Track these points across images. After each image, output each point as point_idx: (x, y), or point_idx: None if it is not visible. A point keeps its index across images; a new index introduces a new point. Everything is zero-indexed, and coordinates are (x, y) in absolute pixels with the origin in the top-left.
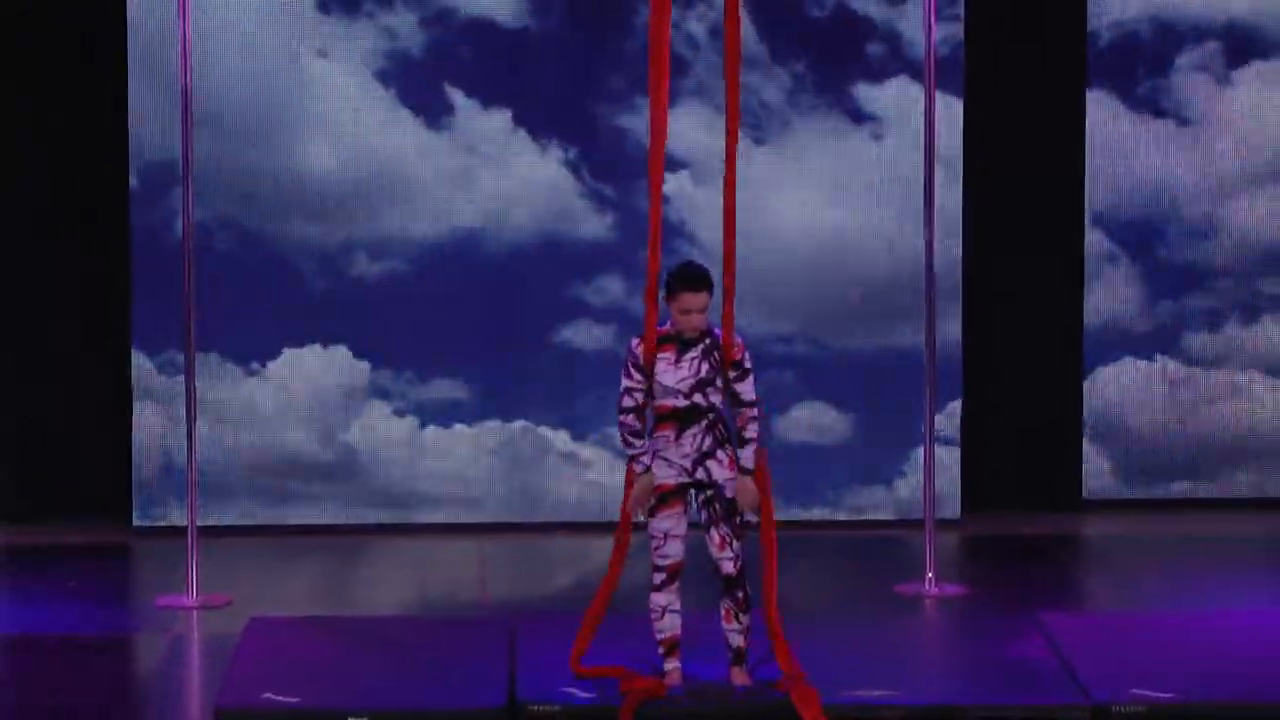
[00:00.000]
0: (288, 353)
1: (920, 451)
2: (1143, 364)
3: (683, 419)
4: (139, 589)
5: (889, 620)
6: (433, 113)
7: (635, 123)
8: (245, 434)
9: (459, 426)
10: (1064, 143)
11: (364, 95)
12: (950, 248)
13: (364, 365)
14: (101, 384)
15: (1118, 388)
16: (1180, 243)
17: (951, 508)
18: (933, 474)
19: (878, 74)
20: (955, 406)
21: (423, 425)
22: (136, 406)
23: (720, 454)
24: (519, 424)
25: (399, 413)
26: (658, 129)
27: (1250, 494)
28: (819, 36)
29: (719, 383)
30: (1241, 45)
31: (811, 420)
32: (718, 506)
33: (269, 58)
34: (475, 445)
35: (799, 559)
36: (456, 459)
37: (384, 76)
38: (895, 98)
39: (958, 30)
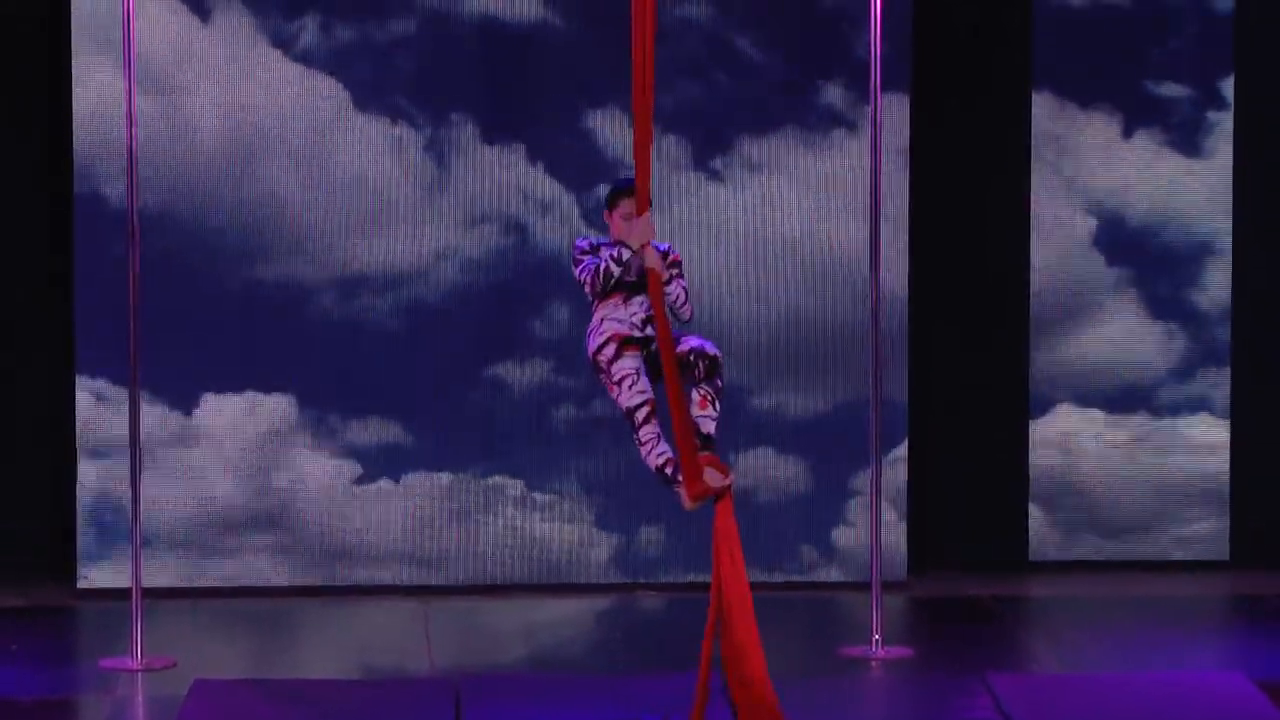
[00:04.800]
0: (227, 398)
1: (859, 506)
2: (1088, 418)
3: (630, 290)
4: (82, 651)
5: (836, 683)
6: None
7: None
8: (184, 487)
9: (405, 477)
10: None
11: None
12: (897, 305)
13: (307, 413)
14: (41, 442)
15: (1062, 446)
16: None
17: (897, 569)
18: (879, 536)
19: (821, 135)
20: (902, 469)
21: (368, 477)
22: (81, 467)
23: (691, 339)
24: (465, 473)
25: (342, 462)
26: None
27: (1193, 555)
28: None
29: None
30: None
31: (759, 470)
32: (701, 365)
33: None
34: (420, 496)
35: None
36: (401, 512)
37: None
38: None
39: (905, 102)
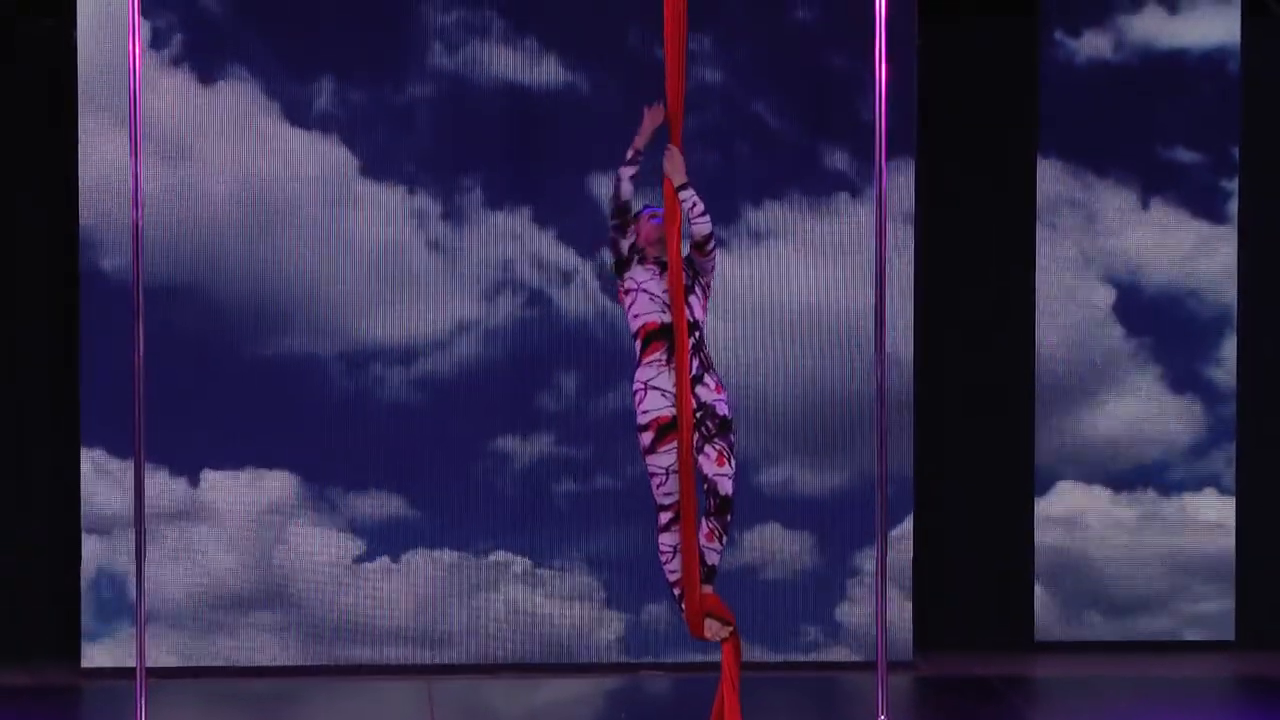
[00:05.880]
0: (229, 474)
1: (864, 583)
2: (1093, 495)
3: (669, 339)
4: None
5: None
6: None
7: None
8: (185, 564)
9: (408, 553)
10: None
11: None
12: (903, 380)
13: (309, 488)
14: (46, 517)
15: (1068, 523)
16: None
17: (903, 648)
18: (885, 616)
19: (826, 201)
20: (908, 546)
21: (371, 554)
22: (85, 545)
23: (708, 379)
24: (469, 549)
25: (345, 538)
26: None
27: (1199, 636)
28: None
29: (698, 290)
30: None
31: (764, 546)
32: (710, 425)
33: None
34: (425, 574)
35: (749, 700)
36: (404, 589)
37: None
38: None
39: (910, 168)
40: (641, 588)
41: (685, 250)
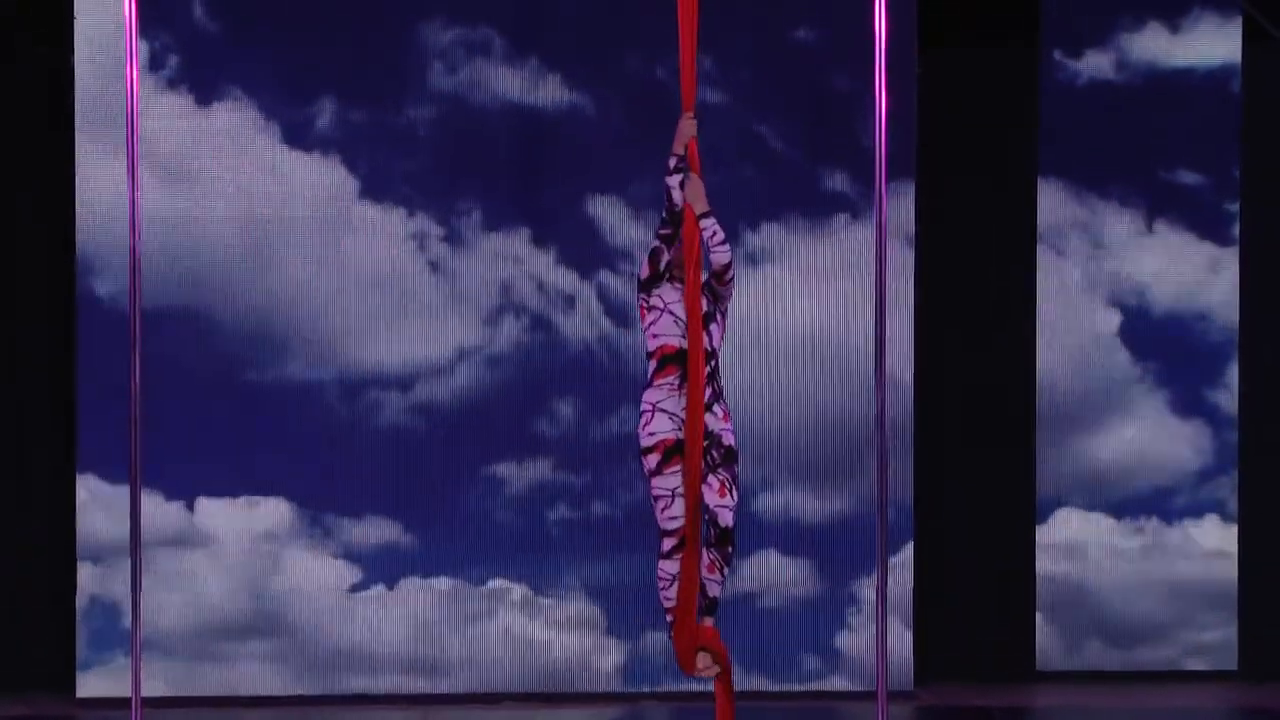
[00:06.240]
0: (224, 501)
1: (864, 612)
2: (1094, 523)
3: (683, 365)
4: None
5: None
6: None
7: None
8: (179, 592)
9: (405, 580)
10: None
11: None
12: (904, 412)
13: (304, 513)
14: (41, 546)
15: (1070, 551)
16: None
17: (903, 678)
18: (885, 645)
19: (825, 223)
20: (908, 574)
21: (367, 582)
22: (80, 572)
23: (716, 408)
24: (466, 577)
25: (342, 565)
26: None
27: (1201, 665)
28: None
29: (718, 318)
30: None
31: (763, 573)
32: (715, 454)
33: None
34: (421, 602)
35: None
36: (401, 617)
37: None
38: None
39: (911, 189)
40: (642, 615)
41: (704, 277)
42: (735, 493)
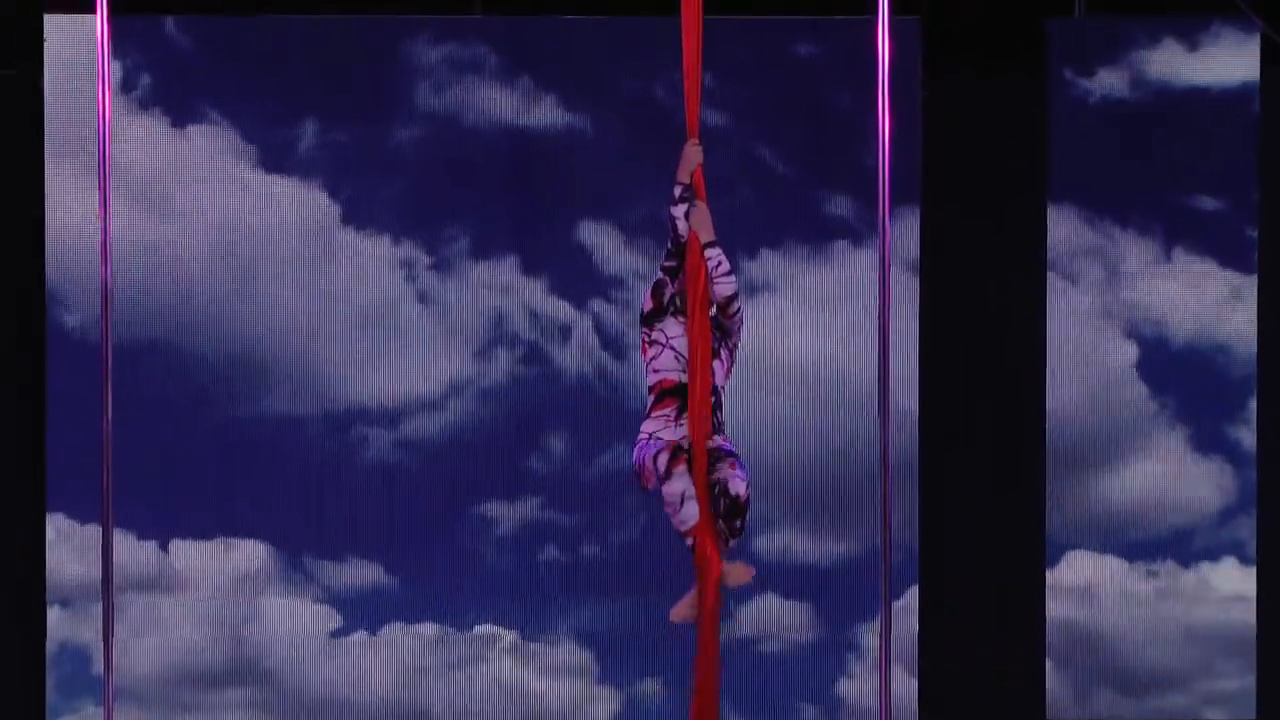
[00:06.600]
0: (200, 543)
1: (867, 659)
2: (1107, 566)
3: (683, 398)
4: None
5: None
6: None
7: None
8: (152, 638)
9: (388, 626)
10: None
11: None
12: (908, 448)
13: (282, 555)
14: (10, 588)
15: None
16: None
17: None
18: (888, 693)
19: (837, 267)
20: (912, 619)
21: (349, 628)
22: (50, 616)
23: (717, 438)
24: (452, 621)
25: (323, 610)
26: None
27: (1218, 714)
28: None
29: (723, 354)
30: None
31: (763, 617)
32: (723, 503)
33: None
34: (405, 648)
35: None
36: (384, 664)
37: None
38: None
39: (915, 214)
40: (636, 662)
41: (711, 311)
42: (744, 470)
